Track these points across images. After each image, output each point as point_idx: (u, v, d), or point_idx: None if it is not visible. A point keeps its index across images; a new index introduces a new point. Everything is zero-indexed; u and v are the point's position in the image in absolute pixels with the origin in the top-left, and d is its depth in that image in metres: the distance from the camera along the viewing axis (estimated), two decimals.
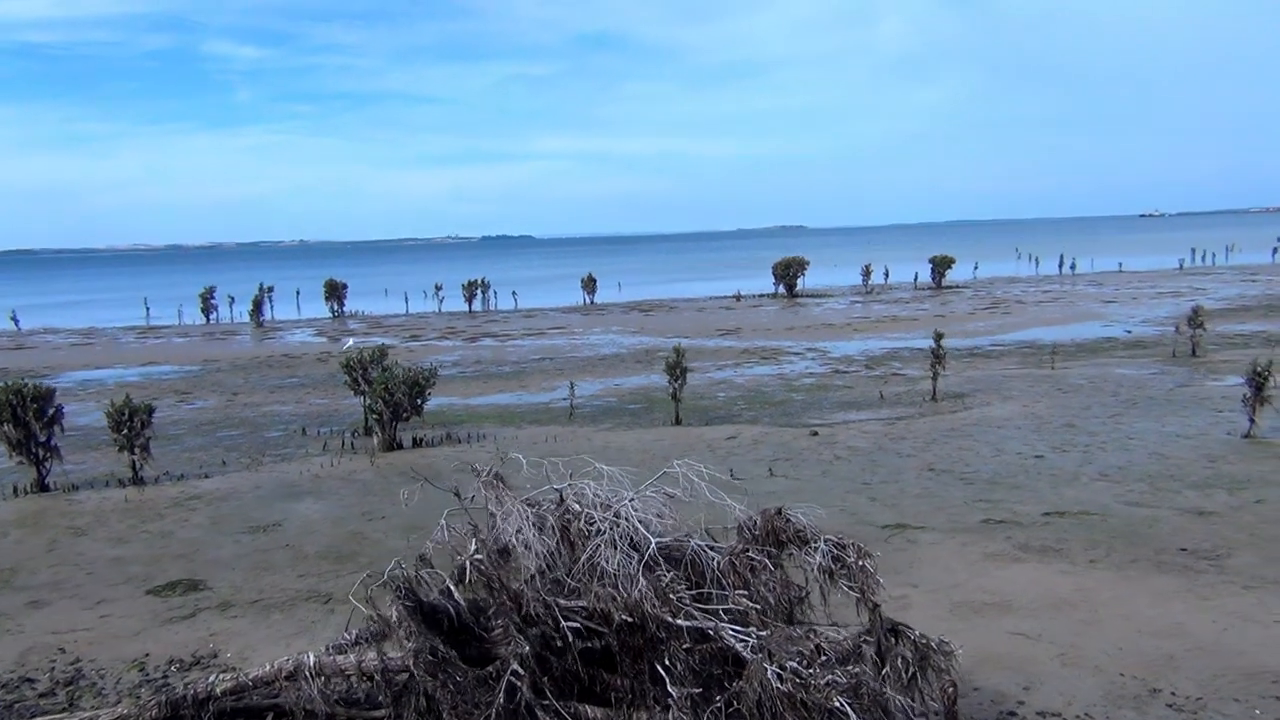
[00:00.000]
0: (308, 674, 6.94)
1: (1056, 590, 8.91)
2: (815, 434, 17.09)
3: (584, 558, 5.56)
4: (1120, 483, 12.71)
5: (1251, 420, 15.26)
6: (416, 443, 18.01)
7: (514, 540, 5.68)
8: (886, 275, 61.83)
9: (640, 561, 5.38)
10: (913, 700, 5.38)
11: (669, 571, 5.63)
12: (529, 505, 6.10)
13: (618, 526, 5.54)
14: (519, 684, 5.41)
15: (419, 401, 17.88)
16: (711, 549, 5.86)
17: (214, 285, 54.32)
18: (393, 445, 17.61)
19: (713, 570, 5.71)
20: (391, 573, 5.95)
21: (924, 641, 5.67)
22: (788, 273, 53.15)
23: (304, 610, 9.30)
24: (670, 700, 5.13)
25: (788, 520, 6.17)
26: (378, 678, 6.45)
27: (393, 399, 17.37)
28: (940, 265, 55.24)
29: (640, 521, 5.67)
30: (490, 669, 5.62)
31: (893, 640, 5.70)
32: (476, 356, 32.14)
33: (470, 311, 52.06)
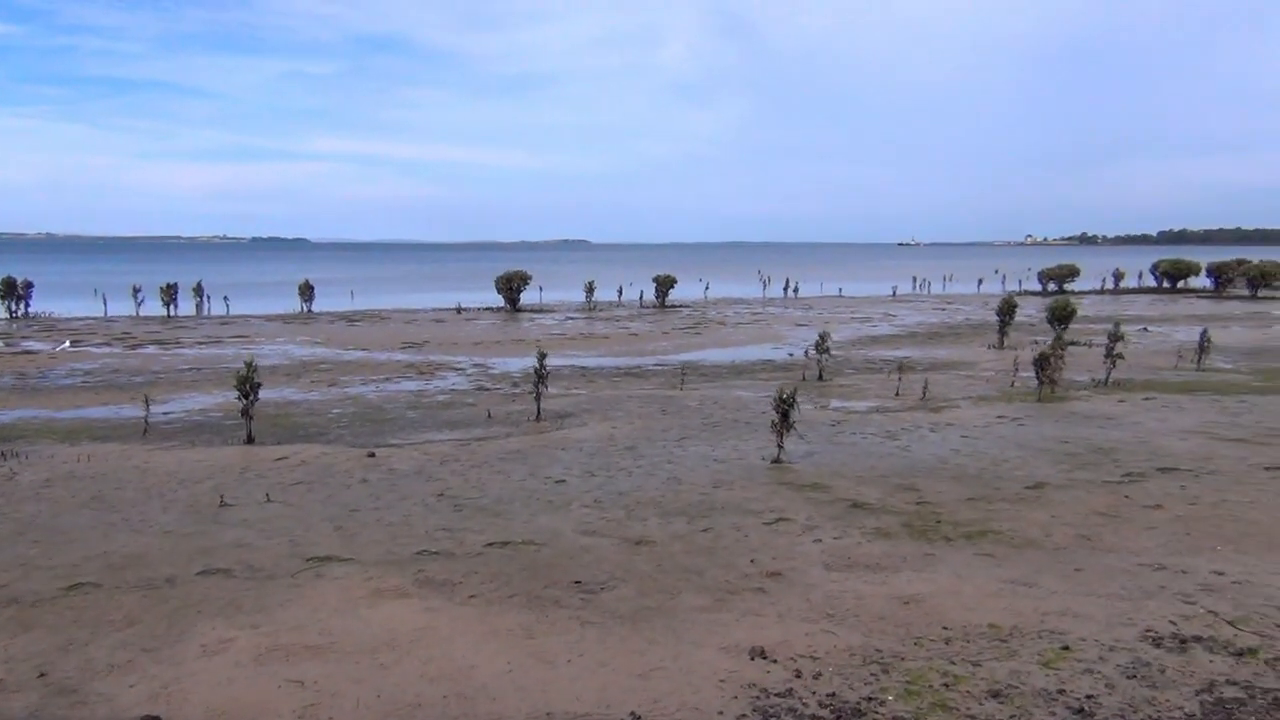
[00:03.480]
0: None
1: (399, 630, 8.48)
2: (372, 455, 16.41)
3: None
4: (604, 510, 12.61)
5: (780, 446, 15.67)
6: None
7: None
8: (620, 293, 62.60)
9: None
10: None
11: None
12: None
13: None
14: None
15: None
16: None
17: None
18: None
19: None
20: None
21: None
22: (510, 286, 52.77)
23: None
24: None
25: None
26: None
27: None
28: (663, 284, 56.34)
29: None
30: None
31: None
32: (120, 365, 29.85)
33: (167, 316, 48.86)
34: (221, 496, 13.25)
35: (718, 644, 8.10)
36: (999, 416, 19.56)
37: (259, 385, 18.22)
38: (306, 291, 52.89)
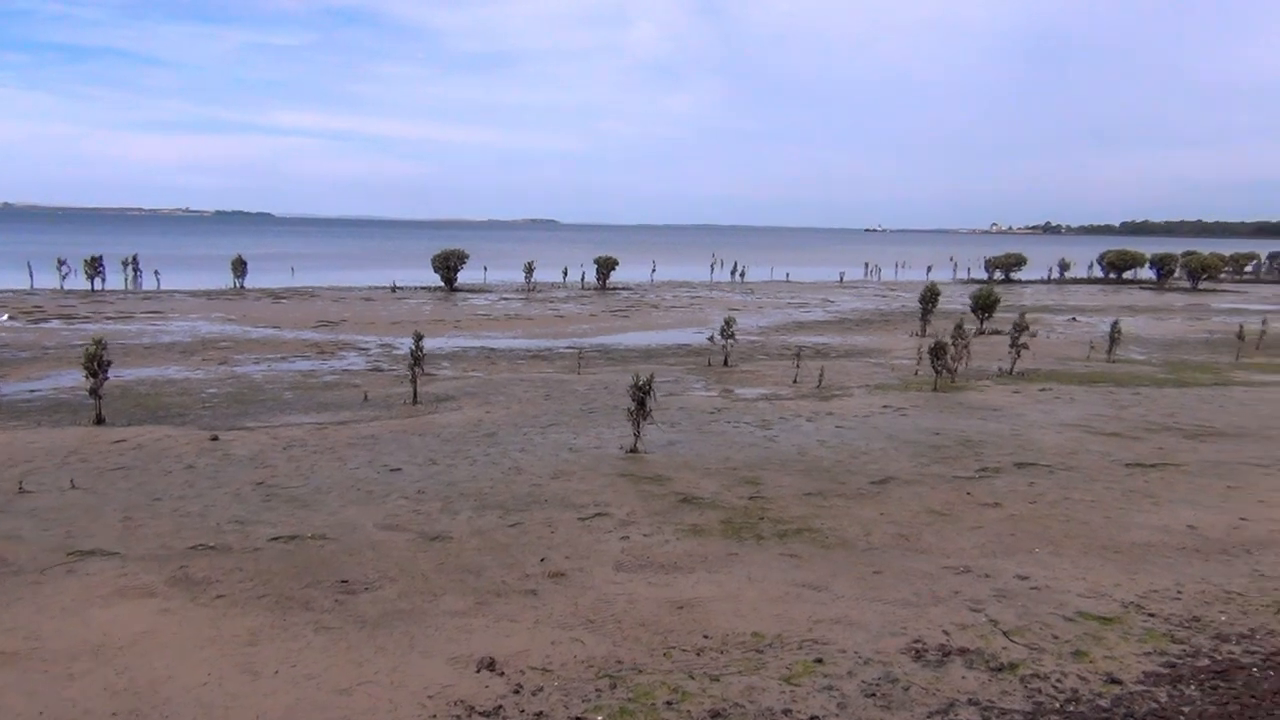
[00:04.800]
0: None
1: (116, 635, 7.84)
2: (215, 439, 15.69)
3: None
4: (421, 502, 11.98)
5: (636, 435, 15.11)
6: None
7: None
8: (565, 274, 61.74)
9: None
10: None
11: None
12: None
13: None
14: None
15: None
16: None
17: None
18: None
19: None
20: None
21: None
22: (447, 265, 51.88)
23: None
24: None
25: None
26: None
27: None
28: (604, 266, 55.67)
29: None
30: None
31: None
32: (13, 340, 28.84)
33: (91, 290, 47.61)
34: (21, 483, 12.51)
35: (450, 654, 7.53)
36: (884, 406, 19.10)
37: (109, 364, 17.44)
38: (239, 267, 51.70)
